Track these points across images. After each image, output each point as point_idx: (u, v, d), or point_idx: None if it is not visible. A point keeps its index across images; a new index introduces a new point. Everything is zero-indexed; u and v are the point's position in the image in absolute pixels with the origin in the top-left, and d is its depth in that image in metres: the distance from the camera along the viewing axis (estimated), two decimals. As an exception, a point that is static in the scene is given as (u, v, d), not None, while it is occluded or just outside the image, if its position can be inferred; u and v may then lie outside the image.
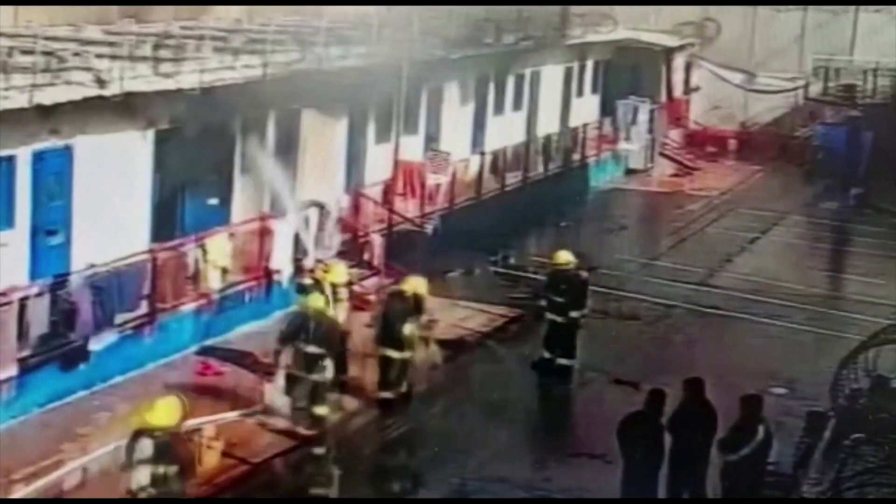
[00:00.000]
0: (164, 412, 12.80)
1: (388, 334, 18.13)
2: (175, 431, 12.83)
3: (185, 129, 20.59)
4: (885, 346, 16.90)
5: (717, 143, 44.78)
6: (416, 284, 18.73)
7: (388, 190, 26.46)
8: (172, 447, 12.69)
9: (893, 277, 27.45)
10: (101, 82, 17.56)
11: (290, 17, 27.09)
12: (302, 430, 16.79)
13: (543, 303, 20.78)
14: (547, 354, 20.44)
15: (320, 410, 16.91)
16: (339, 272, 18.90)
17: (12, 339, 16.20)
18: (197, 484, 13.76)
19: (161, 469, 12.56)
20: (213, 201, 21.96)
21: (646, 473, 14.68)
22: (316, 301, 17.51)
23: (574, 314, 20.25)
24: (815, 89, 42.86)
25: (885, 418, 14.19)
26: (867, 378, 16.24)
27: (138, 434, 12.73)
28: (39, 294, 16.84)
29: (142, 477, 12.59)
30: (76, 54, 18.37)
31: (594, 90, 40.36)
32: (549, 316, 20.46)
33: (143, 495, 12.59)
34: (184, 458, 12.90)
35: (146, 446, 12.59)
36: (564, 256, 20.56)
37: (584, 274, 20.85)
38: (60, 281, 17.34)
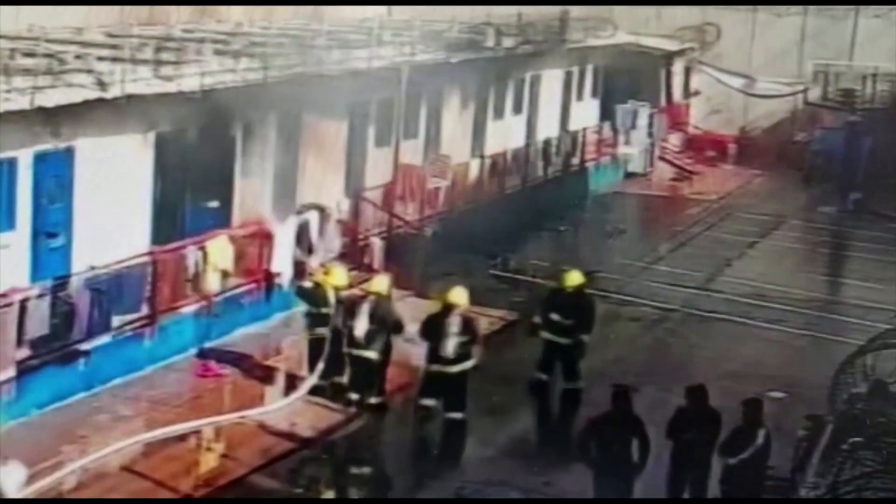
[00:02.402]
0: (461, 294, 17.19)
1: (349, 334, 17.88)
2: (468, 311, 17.05)
3: (186, 131, 20.62)
4: (884, 351, 16.92)
5: (716, 148, 44.76)
6: (379, 284, 18.29)
7: (389, 193, 26.48)
8: (468, 323, 17.00)
9: (891, 282, 27.47)
10: (102, 85, 17.56)
11: (291, 21, 27.16)
12: None
13: (538, 320, 19.59)
14: (543, 376, 19.52)
15: None
16: (339, 275, 18.90)
17: (12, 340, 16.24)
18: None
19: (461, 339, 16.76)
20: (214, 204, 21.98)
21: (619, 476, 14.53)
22: None
23: (584, 337, 19.28)
24: (815, 94, 42.85)
25: (883, 422, 14.19)
26: (865, 382, 16.25)
27: (441, 314, 17.06)
28: (40, 296, 16.84)
29: (449, 345, 16.75)
30: (77, 57, 18.43)
31: (594, 94, 40.35)
32: (548, 336, 19.39)
33: (451, 356, 16.75)
34: (474, 332, 17.19)
35: (454, 322, 16.83)
36: (575, 278, 19.43)
37: (591, 298, 20.17)
38: (61, 283, 17.36)
